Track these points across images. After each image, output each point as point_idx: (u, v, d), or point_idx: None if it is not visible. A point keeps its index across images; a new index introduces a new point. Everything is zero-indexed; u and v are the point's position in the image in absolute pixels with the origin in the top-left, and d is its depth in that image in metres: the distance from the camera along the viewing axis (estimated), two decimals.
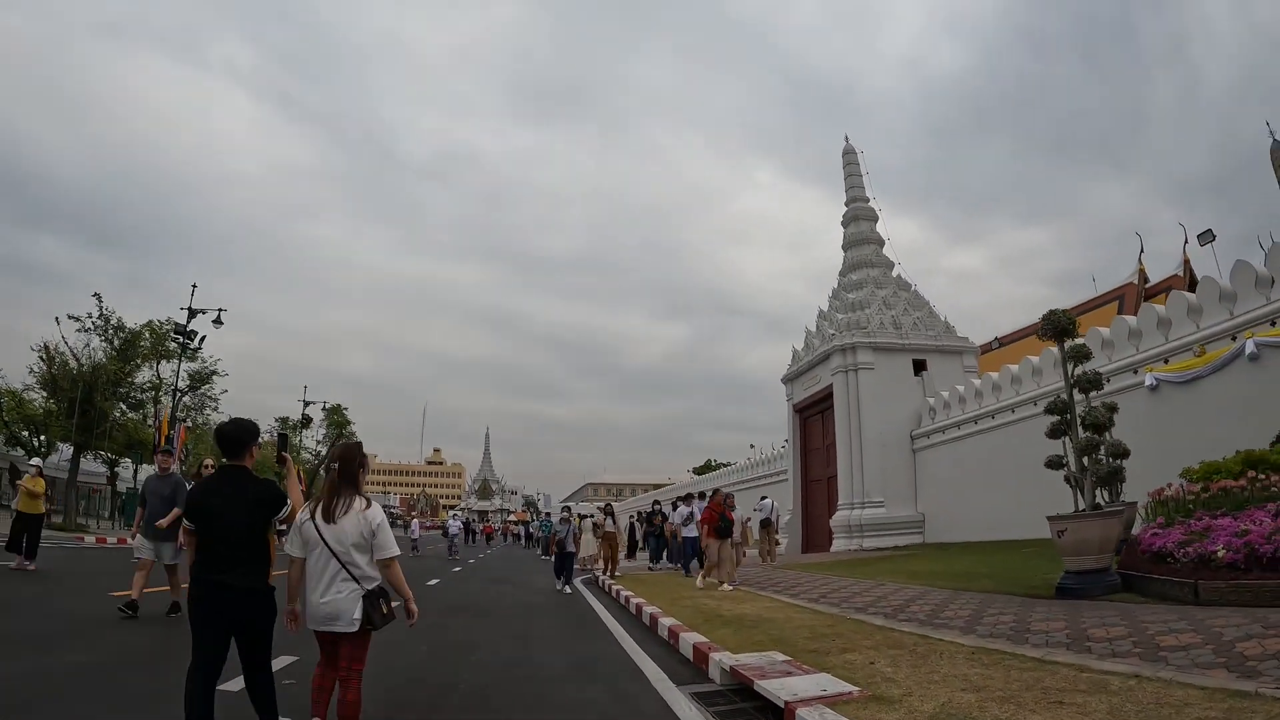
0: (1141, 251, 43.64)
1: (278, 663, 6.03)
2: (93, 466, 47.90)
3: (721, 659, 7.30)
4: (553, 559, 21.30)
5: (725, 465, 67.33)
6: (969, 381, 28.47)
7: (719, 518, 16.15)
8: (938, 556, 21.02)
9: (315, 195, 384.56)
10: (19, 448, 37.97)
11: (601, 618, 12.78)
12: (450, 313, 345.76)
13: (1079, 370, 12.37)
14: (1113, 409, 12.49)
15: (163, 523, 10.35)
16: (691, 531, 20.55)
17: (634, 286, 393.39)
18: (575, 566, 19.69)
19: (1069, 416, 12.10)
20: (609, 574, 20.10)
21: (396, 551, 4.84)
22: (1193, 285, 24.20)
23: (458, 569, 26.17)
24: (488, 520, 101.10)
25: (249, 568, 4.65)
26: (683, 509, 22.27)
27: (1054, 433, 12.40)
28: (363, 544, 4.69)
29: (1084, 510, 11.48)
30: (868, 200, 36.61)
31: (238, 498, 4.71)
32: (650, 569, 23.88)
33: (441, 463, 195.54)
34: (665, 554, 25.13)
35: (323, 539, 4.65)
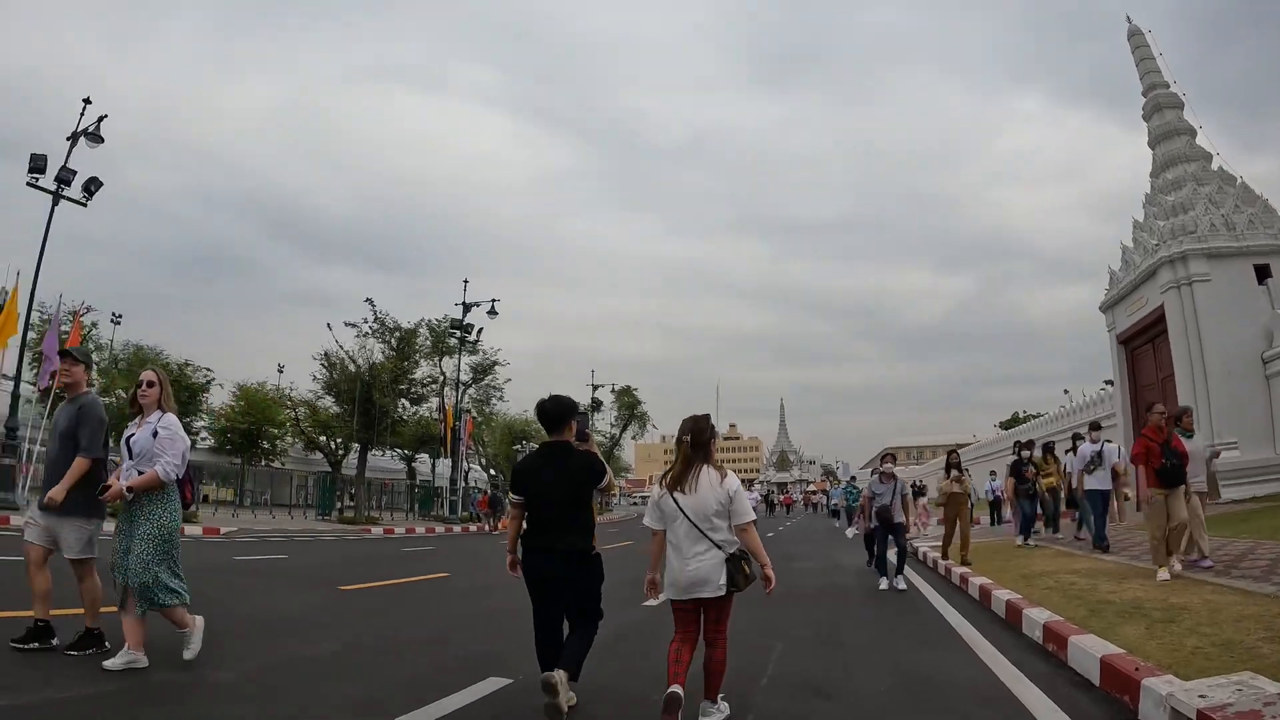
0: None
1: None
2: (389, 463, 50.28)
3: (1169, 692, 4.40)
4: (863, 536, 15.61)
5: (1034, 417, 61.75)
6: None
7: (1161, 450, 9.45)
8: None
9: (579, 193, 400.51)
10: (317, 451, 40.64)
11: (936, 608, 9.87)
12: (727, 289, 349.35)
13: None
14: None
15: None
16: (1101, 483, 13.86)
17: (905, 242, 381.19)
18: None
19: None
20: (961, 557, 13.81)
21: (754, 516, 4.92)
22: None
23: None
24: (786, 491, 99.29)
25: (577, 534, 4.95)
26: (1084, 448, 14.40)
27: None
28: (721, 511, 4.73)
29: None
30: (1168, 86, 31.02)
31: (563, 470, 4.98)
32: (1024, 543, 15.86)
33: (738, 437, 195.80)
34: (1047, 521, 18.08)
35: (681, 510, 4.75)
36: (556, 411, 5.12)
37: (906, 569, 13.73)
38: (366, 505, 36.84)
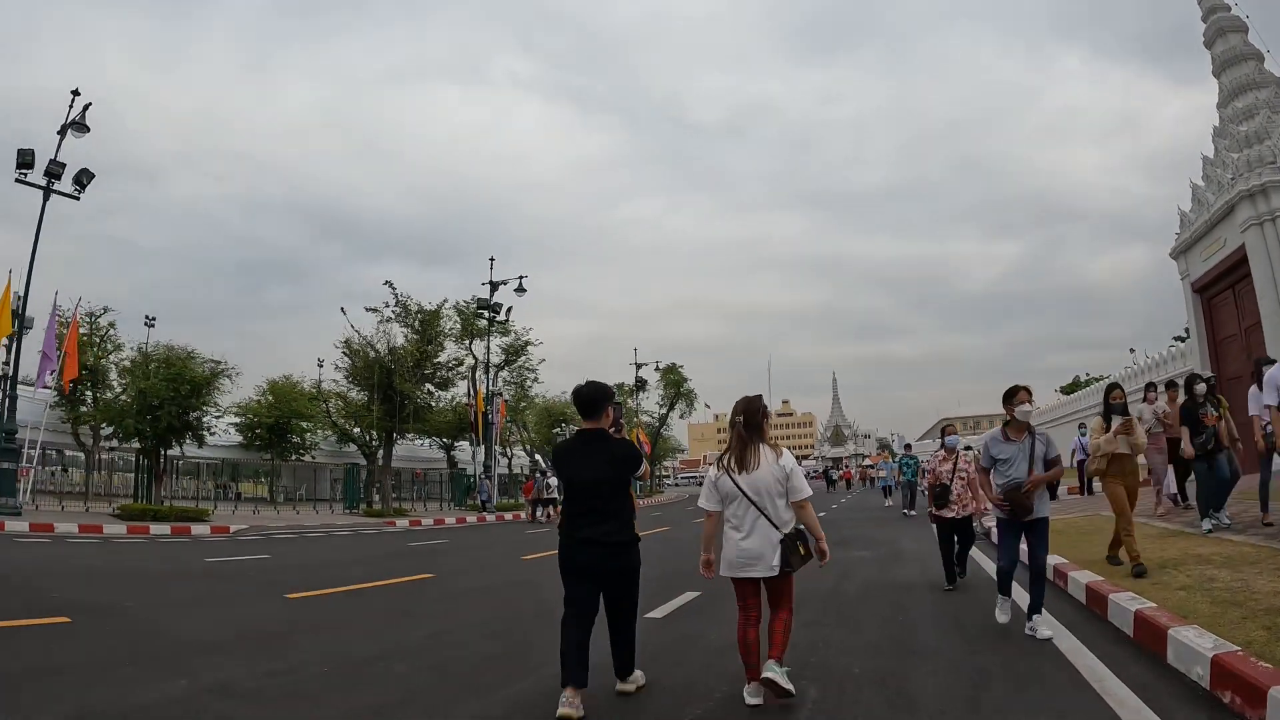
0: None
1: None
2: (428, 452, 50.62)
3: None
4: (939, 537, 10.09)
5: (1098, 380, 58.96)
6: None
7: None
8: None
9: (624, 178, 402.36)
10: (350, 444, 39.60)
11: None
12: (776, 265, 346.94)
13: None
14: None
15: None
16: None
17: (954, 208, 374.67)
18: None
19: None
20: (1132, 558, 8.34)
21: (810, 493, 4.89)
22: None
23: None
24: (844, 466, 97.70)
25: (615, 523, 4.89)
26: (1275, 372, 8.97)
27: None
28: (778, 490, 4.75)
29: None
30: (1229, 8, 28.35)
31: (597, 457, 4.91)
32: (1211, 529, 10.22)
33: (792, 414, 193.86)
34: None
35: (740, 489, 4.76)
36: (594, 396, 5.05)
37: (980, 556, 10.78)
38: (394, 496, 35.19)
